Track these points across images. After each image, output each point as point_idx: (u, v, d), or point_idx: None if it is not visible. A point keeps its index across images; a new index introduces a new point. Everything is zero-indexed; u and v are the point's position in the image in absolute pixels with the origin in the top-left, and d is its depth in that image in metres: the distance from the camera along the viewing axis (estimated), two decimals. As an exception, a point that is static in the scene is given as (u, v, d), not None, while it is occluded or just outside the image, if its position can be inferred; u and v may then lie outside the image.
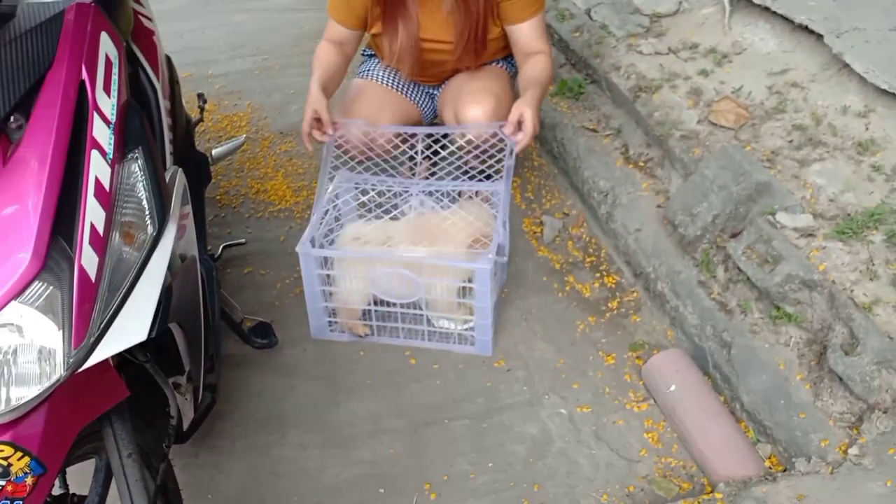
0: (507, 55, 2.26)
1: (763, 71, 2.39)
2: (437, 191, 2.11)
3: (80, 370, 1.11)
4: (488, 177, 2.14)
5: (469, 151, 2.09)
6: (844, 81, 2.22)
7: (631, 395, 1.94)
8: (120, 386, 1.24)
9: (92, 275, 1.13)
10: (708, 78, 2.44)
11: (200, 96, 2.44)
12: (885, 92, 2.08)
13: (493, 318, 2.03)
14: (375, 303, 2.05)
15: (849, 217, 1.88)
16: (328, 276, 2.03)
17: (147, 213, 1.26)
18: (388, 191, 2.13)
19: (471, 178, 2.12)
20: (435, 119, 2.40)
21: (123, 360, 1.32)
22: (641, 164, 2.39)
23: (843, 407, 1.64)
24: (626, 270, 2.28)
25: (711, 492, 1.65)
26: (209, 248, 2.19)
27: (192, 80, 3.38)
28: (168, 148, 1.82)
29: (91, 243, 1.14)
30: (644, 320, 2.14)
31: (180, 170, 1.52)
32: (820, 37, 2.28)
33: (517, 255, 2.36)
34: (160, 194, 1.29)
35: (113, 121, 1.27)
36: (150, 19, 2.02)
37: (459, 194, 2.14)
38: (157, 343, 1.31)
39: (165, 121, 1.83)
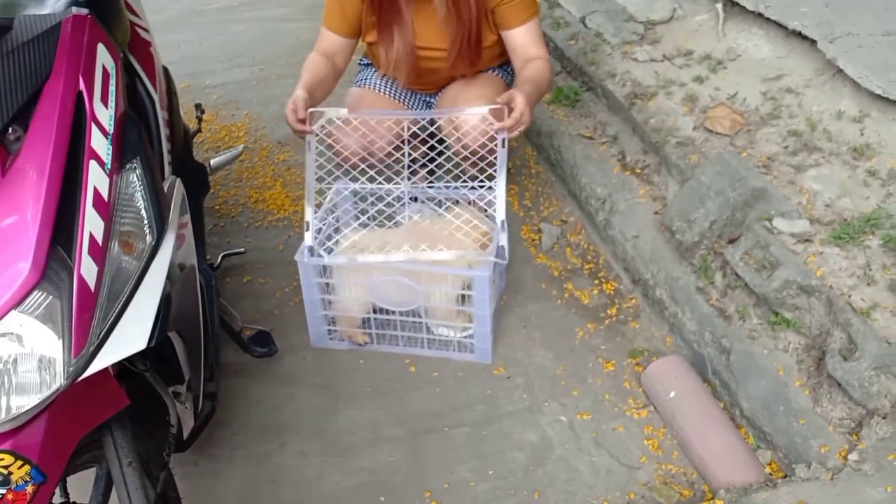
0: (502, 63, 2.27)
1: (757, 77, 2.41)
2: (433, 198, 2.11)
3: (80, 379, 1.11)
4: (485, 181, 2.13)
5: (466, 157, 2.10)
6: (839, 86, 2.23)
7: (630, 401, 1.94)
8: (120, 395, 1.24)
9: (91, 284, 1.13)
10: (703, 84, 2.45)
11: (198, 107, 2.45)
12: (879, 97, 2.09)
13: (492, 326, 2.04)
14: (375, 311, 2.05)
15: (845, 222, 1.88)
16: (327, 284, 2.04)
17: (146, 222, 1.27)
18: (387, 196, 2.13)
19: (468, 182, 2.12)
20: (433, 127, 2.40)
21: (123, 369, 1.32)
22: (638, 170, 2.40)
23: (842, 412, 1.64)
24: (625, 277, 2.28)
25: (712, 498, 1.65)
26: (208, 257, 2.20)
27: (189, 91, 3.40)
28: (166, 158, 1.83)
29: (90, 253, 1.14)
30: (643, 327, 2.15)
31: (179, 180, 1.53)
32: (813, 42, 2.29)
33: (516, 262, 2.36)
34: (159, 204, 1.30)
35: (111, 131, 1.28)
36: (146, 30, 2.03)
37: (457, 202, 2.15)
38: (157, 352, 1.31)
39: (164, 131, 1.84)
